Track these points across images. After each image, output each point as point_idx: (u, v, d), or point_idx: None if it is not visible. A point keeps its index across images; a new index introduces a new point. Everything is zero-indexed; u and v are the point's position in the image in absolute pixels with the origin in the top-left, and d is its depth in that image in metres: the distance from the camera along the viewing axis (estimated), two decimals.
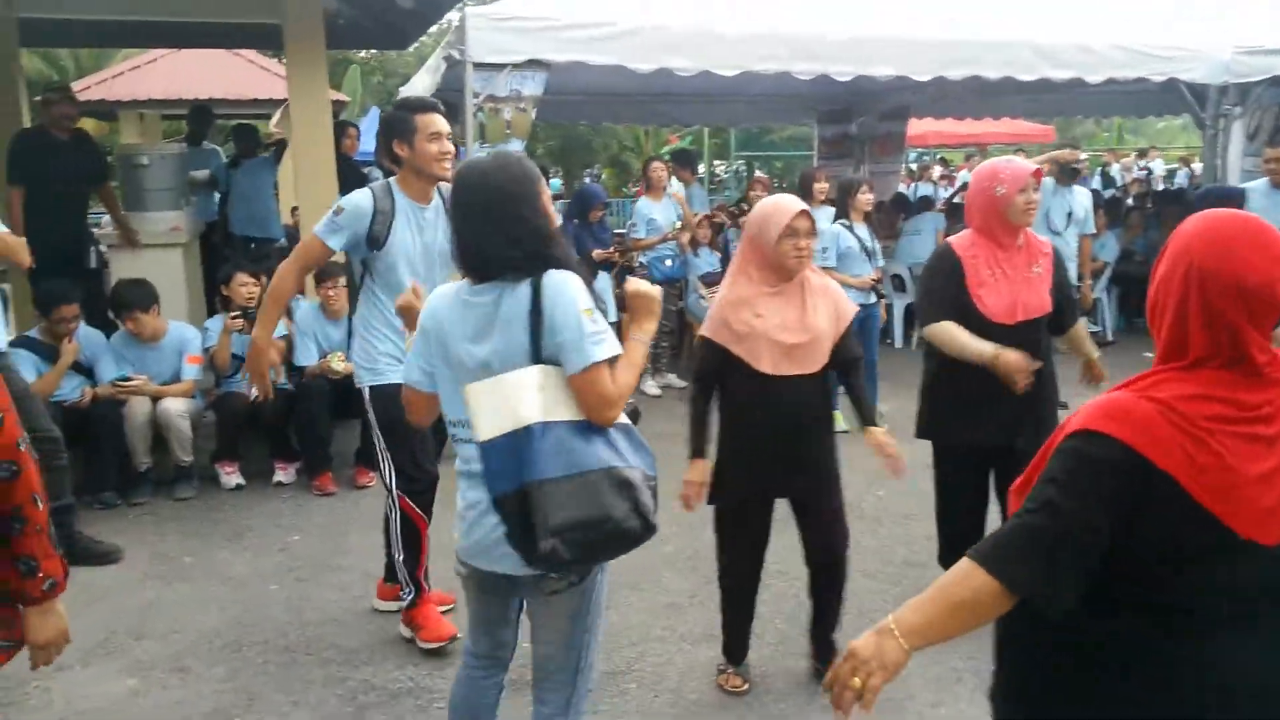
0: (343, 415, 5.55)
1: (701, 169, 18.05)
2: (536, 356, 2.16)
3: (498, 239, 2.18)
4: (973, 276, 3.37)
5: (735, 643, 3.36)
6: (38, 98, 8.32)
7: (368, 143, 9.81)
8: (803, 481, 3.19)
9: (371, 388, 3.50)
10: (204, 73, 13.28)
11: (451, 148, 3.40)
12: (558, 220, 2.39)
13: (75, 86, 9.29)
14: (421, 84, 8.77)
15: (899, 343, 9.10)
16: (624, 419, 2.24)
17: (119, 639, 3.73)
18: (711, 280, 8.36)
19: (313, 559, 4.48)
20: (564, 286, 2.16)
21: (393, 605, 3.78)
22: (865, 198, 6.05)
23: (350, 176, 7.01)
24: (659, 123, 15.86)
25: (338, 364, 5.37)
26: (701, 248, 8.23)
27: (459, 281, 2.33)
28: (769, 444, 3.11)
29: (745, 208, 8.64)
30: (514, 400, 2.12)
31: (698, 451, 3.21)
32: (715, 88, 10.47)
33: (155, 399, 5.25)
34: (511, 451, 2.10)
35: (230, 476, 5.45)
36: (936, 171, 17.67)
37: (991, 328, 3.31)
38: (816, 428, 3.19)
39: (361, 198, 3.39)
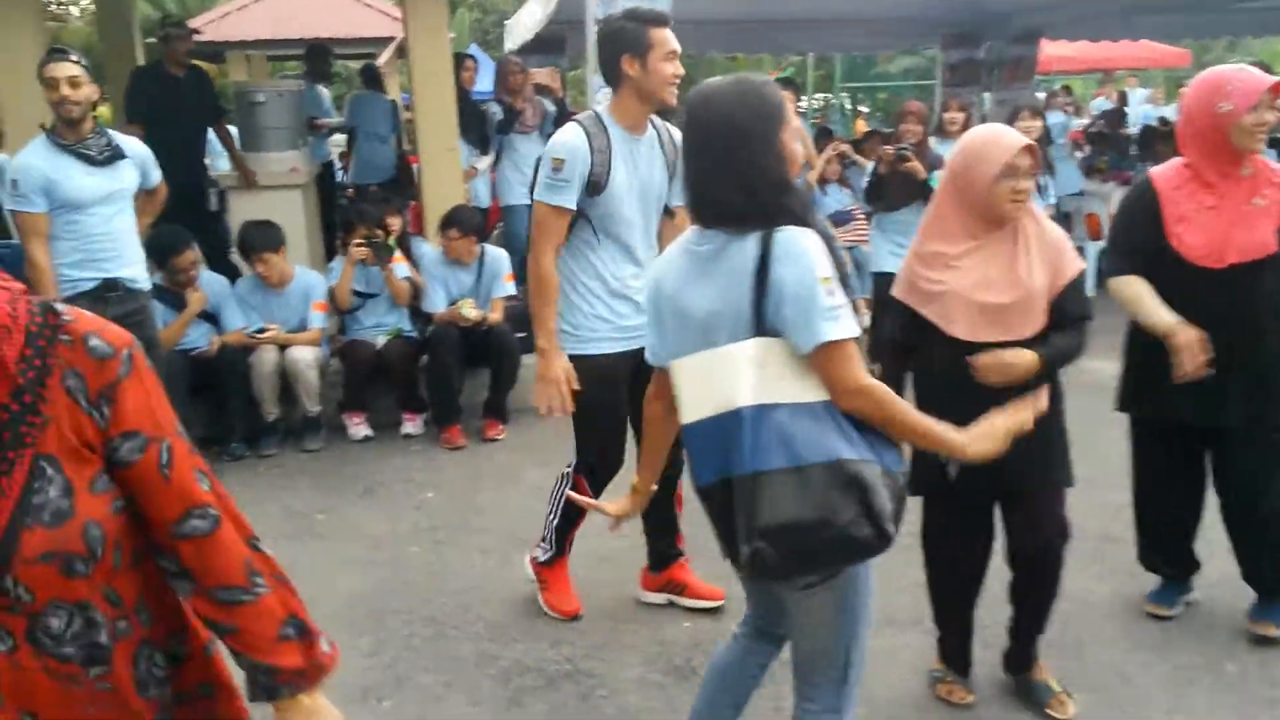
0: (472, 364, 5.30)
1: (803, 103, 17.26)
2: (759, 325, 1.82)
3: (725, 183, 1.85)
4: (1171, 211, 2.87)
5: (956, 650, 2.88)
6: (149, 39, 8.23)
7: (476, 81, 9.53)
8: (1022, 465, 2.55)
9: (572, 357, 3.05)
10: (308, 12, 13.11)
11: (683, 70, 2.93)
12: (801, 161, 1.97)
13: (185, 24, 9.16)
14: (531, 17, 8.38)
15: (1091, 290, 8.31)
16: None
17: None
18: (841, 220, 7.84)
19: (449, 519, 4.24)
20: (799, 248, 1.80)
21: (658, 597, 3.43)
22: (1030, 124, 5.47)
23: (469, 113, 6.71)
24: (768, 50, 15.15)
25: (468, 310, 5.10)
26: (830, 184, 7.72)
27: (687, 231, 2.01)
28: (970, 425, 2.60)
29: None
30: (724, 378, 1.82)
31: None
32: (828, 10, 9.89)
33: (282, 347, 5.06)
34: (717, 437, 1.83)
35: (358, 428, 5.26)
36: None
37: (1193, 273, 2.82)
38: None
39: (574, 138, 2.91)
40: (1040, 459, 2.59)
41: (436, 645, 3.24)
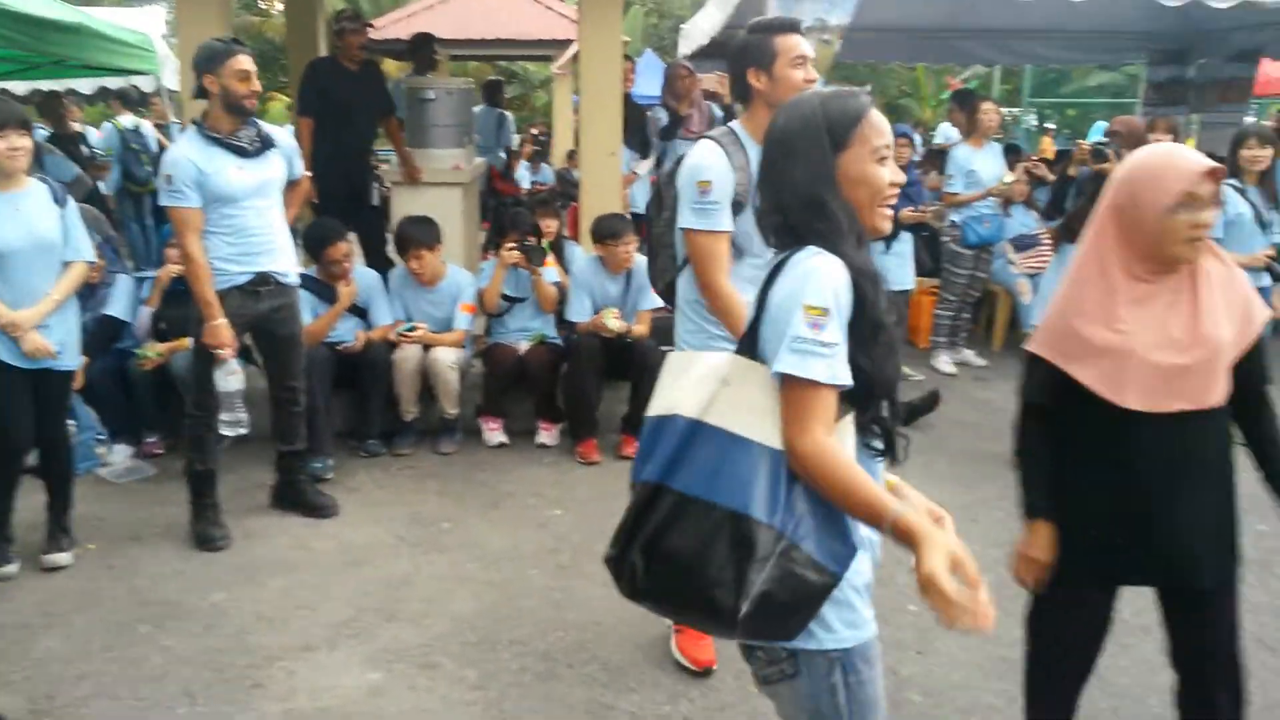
0: (613, 376, 5.09)
1: None
2: (752, 344, 1.64)
3: (768, 198, 1.71)
4: None
5: None
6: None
7: (642, 85, 9.35)
8: (1178, 562, 2.15)
9: None
10: (492, 13, 13.29)
11: (817, 75, 2.68)
12: (891, 182, 1.67)
13: (375, 23, 9.33)
14: (708, 21, 8.13)
15: None
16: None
17: (368, 618, 3.41)
18: (1024, 244, 7.24)
19: (575, 542, 4.02)
20: (802, 268, 1.58)
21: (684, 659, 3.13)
22: (1259, 153, 4.82)
23: (630, 115, 6.51)
24: (957, 60, 14.39)
25: (612, 321, 4.88)
26: (1015, 205, 7.14)
27: None
28: (1132, 513, 2.13)
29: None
30: (684, 382, 1.65)
31: (1035, 510, 2.22)
32: (1021, 20, 9.21)
33: (426, 347, 4.97)
34: (657, 438, 1.64)
35: (494, 433, 5.13)
36: None
37: None
38: (1212, 487, 2.16)
39: (716, 158, 2.66)
40: (1216, 549, 2.15)
41: (547, 686, 3.02)
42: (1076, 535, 2.18)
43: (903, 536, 1.50)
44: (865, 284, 1.59)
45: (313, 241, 4.83)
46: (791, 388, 1.54)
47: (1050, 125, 21.92)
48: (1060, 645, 2.33)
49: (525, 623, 3.38)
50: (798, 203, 1.64)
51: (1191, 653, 2.25)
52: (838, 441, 1.56)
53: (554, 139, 15.09)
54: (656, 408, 1.68)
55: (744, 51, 2.71)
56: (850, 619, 1.66)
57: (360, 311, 5.04)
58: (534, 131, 13.67)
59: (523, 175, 14.51)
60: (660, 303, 5.19)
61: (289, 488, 4.31)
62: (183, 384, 4.58)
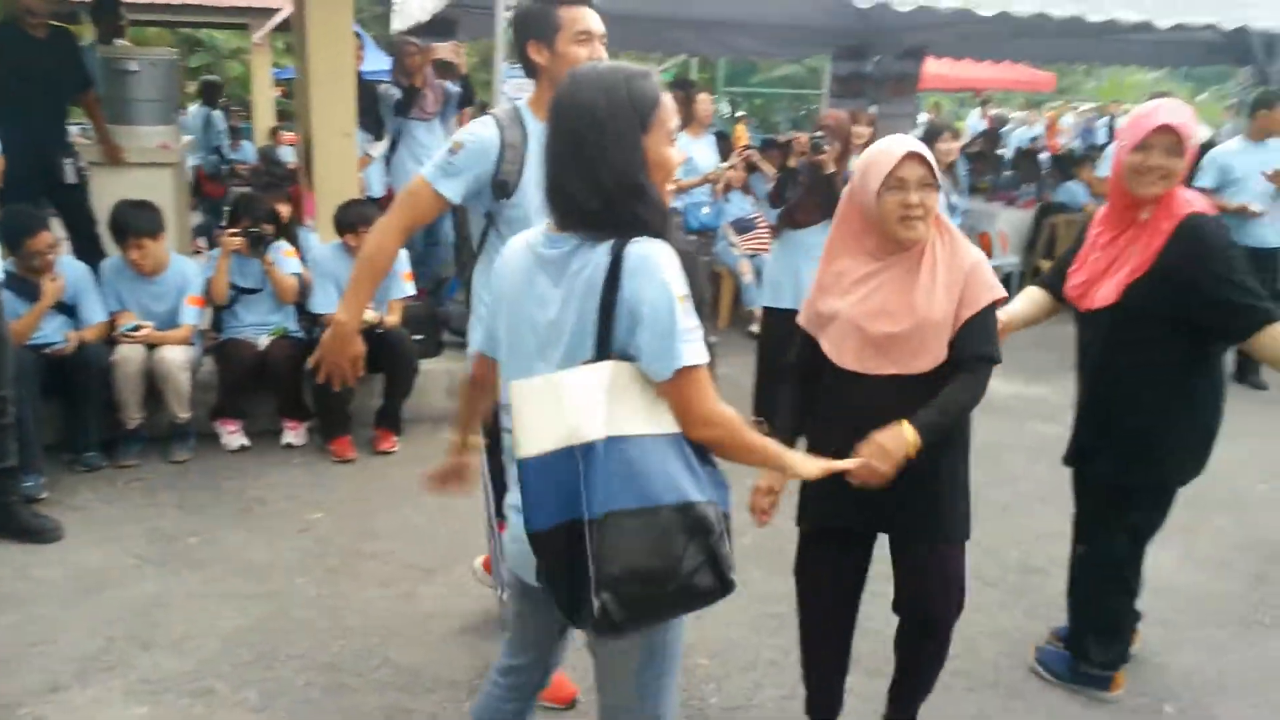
0: (365, 369, 4.89)
1: None
2: (603, 346, 1.65)
3: (577, 179, 1.67)
4: (1085, 244, 2.87)
5: (820, 700, 2.68)
6: None
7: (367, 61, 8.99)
8: (900, 514, 2.41)
9: None
10: None
11: (604, 53, 2.58)
12: (678, 165, 1.77)
13: None
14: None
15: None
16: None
17: (121, 647, 3.10)
18: (743, 227, 7.73)
19: (341, 544, 3.86)
20: (654, 263, 1.63)
21: None
22: (948, 146, 5.43)
23: (360, 93, 6.24)
24: (659, 49, 14.94)
25: (365, 313, 4.68)
26: (733, 191, 7.58)
27: (536, 227, 1.82)
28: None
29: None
30: (572, 406, 1.61)
31: (782, 430, 2.46)
32: (723, 13, 9.77)
33: (150, 346, 4.54)
34: (560, 474, 1.61)
35: (233, 436, 4.78)
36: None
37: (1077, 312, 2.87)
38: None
39: (485, 129, 2.57)
40: (929, 511, 2.41)
41: (338, 698, 2.89)
42: (821, 483, 2.23)
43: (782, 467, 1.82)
44: (689, 266, 1.67)
45: (10, 232, 4.25)
46: (684, 374, 1.61)
47: (741, 113, 23.34)
48: (813, 590, 2.59)
49: (302, 634, 3.21)
50: (619, 188, 1.65)
51: (904, 600, 2.52)
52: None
53: (254, 114, 14.19)
54: (544, 443, 1.63)
55: (524, 21, 2.58)
56: None
57: (68, 309, 4.51)
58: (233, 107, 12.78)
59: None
60: (411, 290, 5.08)
61: (2, 513, 3.80)
62: None
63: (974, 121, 16.27)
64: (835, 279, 2.39)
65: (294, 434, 4.86)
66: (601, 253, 1.65)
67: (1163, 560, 3.53)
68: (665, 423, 1.66)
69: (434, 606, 3.39)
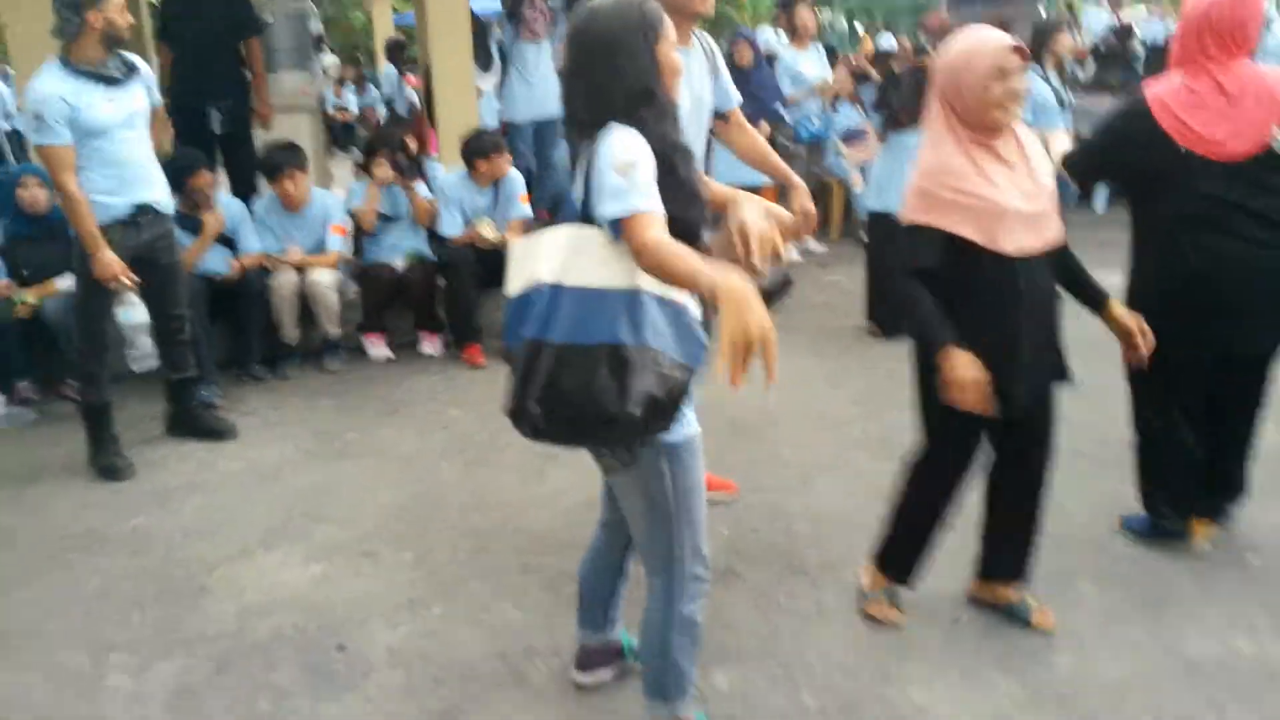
0: (489, 285, 5.30)
1: None
2: (587, 211, 1.94)
3: (586, 94, 1.96)
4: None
5: (908, 565, 2.86)
6: None
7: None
8: (1043, 385, 2.60)
9: None
10: None
11: None
12: (679, 71, 2.04)
13: None
14: None
15: (1102, 207, 8.19)
16: (686, 302, 1.92)
17: (297, 522, 3.60)
18: (851, 137, 7.78)
19: (478, 438, 4.29)
20: (609, 140, 1.90)
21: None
22: (1067, 40, 5.41)
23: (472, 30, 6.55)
24: None
25: (487, 231, 5.09)
26: (841, 102, 7.64)
27: None
28: (1019, 349, 2.48)
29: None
30: (537, 257, 1.96)
31: (945, 338, 2.43)
32: None
33: (301, 270, 5.05)
34: (524, 309, 1.96)
35: (378, 349, 5.29)
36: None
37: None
38: (1057, 317, 2.61)
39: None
40: (1053, 373, 2.62)
41: (480, 558, 3.31)
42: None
43: (711, 294, 1.78)
44: (675, 155, 1.96)
45: (174, 173, 4.78)
46: (626, 224, 1.86)
47: (860, 26, 22.78)
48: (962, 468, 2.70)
49: (448, 510, 3.66)
50: (626, 95, 1.92)
51: (1029, 441, 2.68)
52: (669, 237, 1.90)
53: (377, 60, 14.78)
54: (515, 289, 1.99)
55: None
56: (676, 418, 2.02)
57: (228, 241, 5.05)
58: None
59: (349, 99, 14.16)
60: (528, 212, 5.44)
61: (184, 415, 4.38)
62: (58, 326, 4.53)
63: (1096, 18, 15.47)
64: (954, 170, 2.43)
65: (430, 345, 5.33)
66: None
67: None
68: (618, 277, 1.89)
69: (560, 485, 3.77)
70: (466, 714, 2.53)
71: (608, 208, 1.86)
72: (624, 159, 1.87)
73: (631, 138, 1.91)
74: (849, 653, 2.74)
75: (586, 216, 1.94)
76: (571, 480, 3.77)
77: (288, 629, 2.94)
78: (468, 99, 6.05)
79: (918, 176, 2.52)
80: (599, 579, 2.51)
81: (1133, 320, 2.66)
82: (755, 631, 2.84)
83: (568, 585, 3.10)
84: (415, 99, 10.21)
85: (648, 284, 1.90)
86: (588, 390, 1.86)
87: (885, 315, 5.49)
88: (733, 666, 2.68)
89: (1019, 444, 2.68)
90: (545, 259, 1.93)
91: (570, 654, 2.71)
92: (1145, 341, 2.67)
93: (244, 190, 5.62)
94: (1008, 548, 2.84)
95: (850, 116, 7.71)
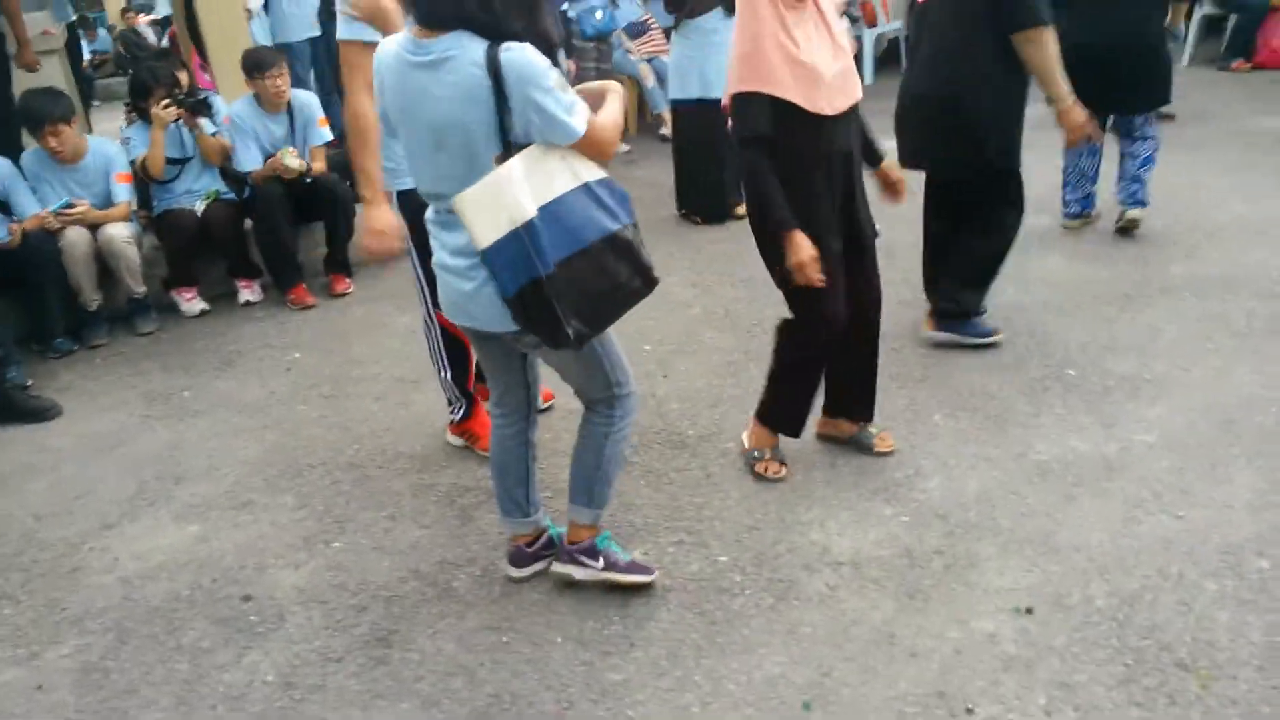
0: (303, 219, 5.08)
1: None
2: (504, 134, 2.05)
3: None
4: None
5: (797, 417, 3.06)
6: None
7: None
8: (855, 225, 2.84)
9: (400, 193, 2.96)
10: None
11: None
12: None
13: None
14: None
15: (869, 78, 8.61)
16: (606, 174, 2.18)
17: (155, 486, 3.42)
18: (636, 32, 7.81)
19: (328, 374, 4.17)
20: (527, 65, 2.01)
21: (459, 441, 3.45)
22: None
23: None
24: None
25: (291, 160, 4.82)
26: None
27: (401, 34, 2.16)
28: (830, 199, 2.73)
29: None
30: (506, 198, 2.04)
31: (788, 222, 2.63)
32: None
33: (92, 227, 4.65)
34: (511, 252, 2.06)
35: (191, 303, 4.97)
36: None
37: None
38: (860, 171, 2.84)
39: None
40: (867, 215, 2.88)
41: (366, 486, 3.27)
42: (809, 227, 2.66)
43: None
44: (552, 52, 2.11)
45: None
46: (586, 134, 2.08)
47: None
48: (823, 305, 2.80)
49: (317, 447, 3.56)
50: (511, 5, 2.02)
51: (864, 294, 2.92)
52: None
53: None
54: (498, 230, 2.04)
55: None
56: None
57: (2, 206, 4.58)
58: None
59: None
60: (329, 136, 5.20)
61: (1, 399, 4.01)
62: None
63: None
64: (768, 38, 2.56)
65: (249, 291, 5.06)
66: (478, 58, 1.99)
67: (1051, 261, 4.06)
68: (576, 174, 2.10)
69: (429, 408, 3.73)
70: (402, 633, 2.54)
71: (574, 128, 2.05)
72: (558, 77, 2.03)
73: (536, 53, 2.01)
74: (746, 510, 2.92)
75: (505, 133, 2.04)
76: (439, 401, 3.74)
77: (183, 590, 2.83)
78: (237, 22, 5.64)
79: (741, 48, 2.65)
80: (507, 458, 2.56)
81: (898, 172, 2.98)
82: (657, 506, 2.97)
83: (463, 496, 3.14)
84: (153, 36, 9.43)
85: (588, 174, 2.11)
86: (614, 282, 2.13)
87: (697, 202, 5.65)
88: (645, 540, 2.81)
89: (850, 293, 2.87)
90: (518, 195, 2.02)
91: (486, 561, 2.76)
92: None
93: (6, 147, 5.08)
94: (856, 388, 3.10)
95: (631, 9, 7.73)
